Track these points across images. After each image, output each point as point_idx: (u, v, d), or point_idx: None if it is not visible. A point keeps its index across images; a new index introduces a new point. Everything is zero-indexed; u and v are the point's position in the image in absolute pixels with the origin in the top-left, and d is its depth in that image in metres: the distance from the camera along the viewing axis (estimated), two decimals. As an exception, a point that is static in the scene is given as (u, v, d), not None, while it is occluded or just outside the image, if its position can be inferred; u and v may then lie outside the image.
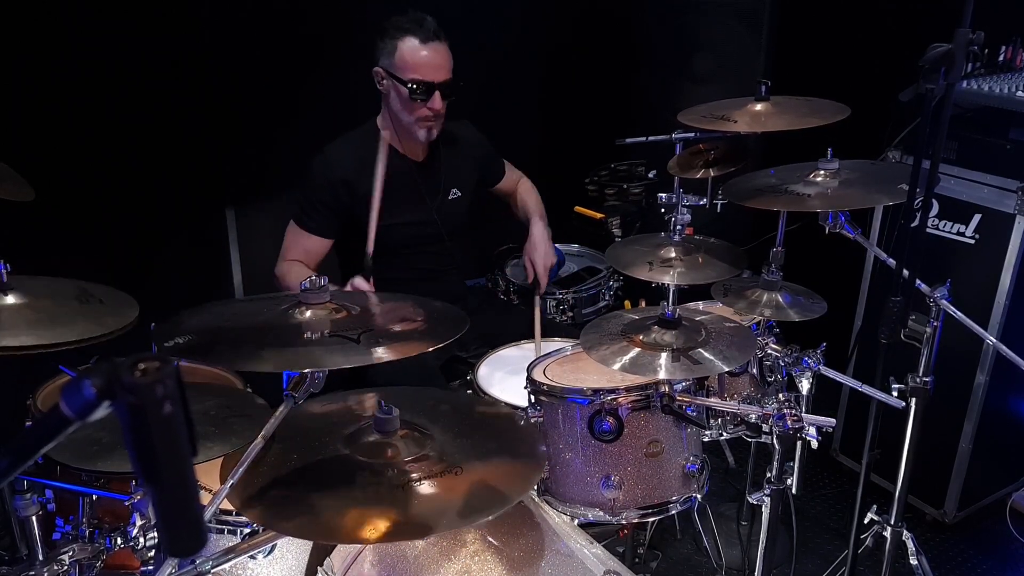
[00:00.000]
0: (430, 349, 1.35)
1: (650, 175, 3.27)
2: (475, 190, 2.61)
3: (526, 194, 2.70)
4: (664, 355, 1.65)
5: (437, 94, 2.23)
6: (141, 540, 1.29)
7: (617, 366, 1.64)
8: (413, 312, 1.54)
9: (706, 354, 1.65)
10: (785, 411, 1.55)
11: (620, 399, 1.71)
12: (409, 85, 2.21)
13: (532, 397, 1.82)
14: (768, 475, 1.62)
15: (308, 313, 1.40)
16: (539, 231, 2.52)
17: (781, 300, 1.95)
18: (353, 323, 1.39)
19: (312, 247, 2.35)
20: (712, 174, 2.39)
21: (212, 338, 1.37)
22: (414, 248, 2.44)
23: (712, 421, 1.88)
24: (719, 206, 2.36)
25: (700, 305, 2.25)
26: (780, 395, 1.59)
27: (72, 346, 1.32)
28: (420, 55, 2.20)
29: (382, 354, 1.29)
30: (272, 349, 1.31)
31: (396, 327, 1.44)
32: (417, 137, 2.32)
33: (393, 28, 2.23)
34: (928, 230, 2.48)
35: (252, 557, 1.58)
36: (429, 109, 2.25)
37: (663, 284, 2.25)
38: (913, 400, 1.97)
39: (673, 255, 2.18)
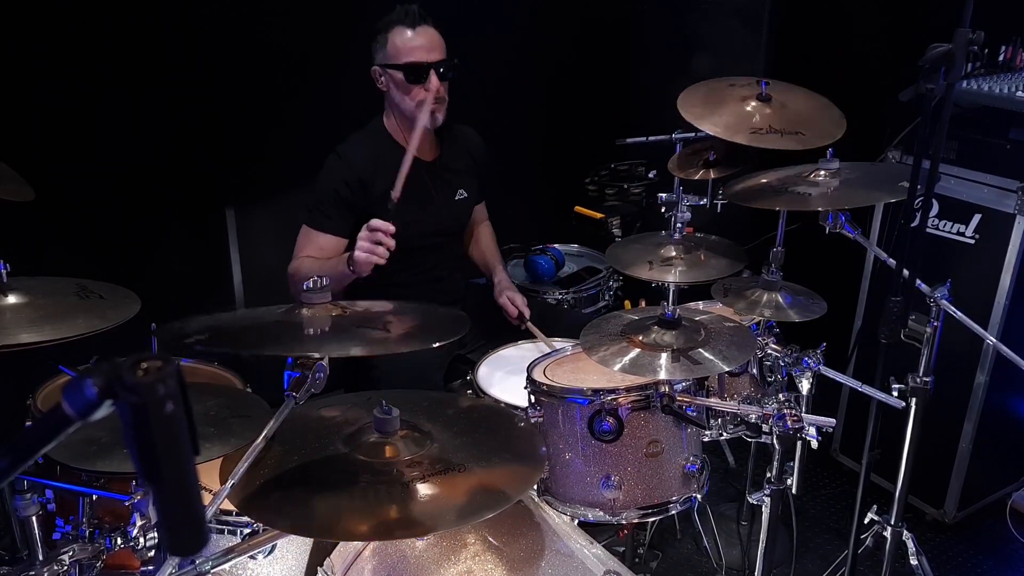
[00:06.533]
0: (434, 345, 1.38)
1: (650, 175, 3.27)
2: (479, 192, 2.61)
3: (489, 241, 2.74)
4: (664, 355, 1.65)
5: (433, 74, 2.26)
6: (141, 540, 1.29)
7: (617, 367, 1.64)
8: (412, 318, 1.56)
9: (706, 354, 1.65)
10: (785, 411, 1.55)
11: (620, 399, 1.71)
12: (404, 69, 2.25)
13: (532, 397, 1.81)
14: (768, 475, 1.62)
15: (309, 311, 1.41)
16: (505, 275, 2.63)
17: (781, 300, 1.95)
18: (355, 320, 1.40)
19: (326, 246, 2.34)
20: (712, 174, 2.39)
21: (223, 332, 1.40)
22: (420, 248, 2.44)
23: (712, 421, 1.87)
24: (719, 206, 2.36)
25: (700, 305, 2.25)
26: (780, 395, 1.59)
27: (75, 338, 1.32)
28: (410, 40, 2.26)
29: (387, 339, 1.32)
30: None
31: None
32: (424, 125, 2.33)
33: (382, 26, 2.30)
34: (928, 230, 2.48)
35: (252, 557, 1.58)
36: (427, 90, 2.27)
37: (664, 283, 2.25)
38: (913, 400, 1.97)
39: (673, 253, 2.18)
